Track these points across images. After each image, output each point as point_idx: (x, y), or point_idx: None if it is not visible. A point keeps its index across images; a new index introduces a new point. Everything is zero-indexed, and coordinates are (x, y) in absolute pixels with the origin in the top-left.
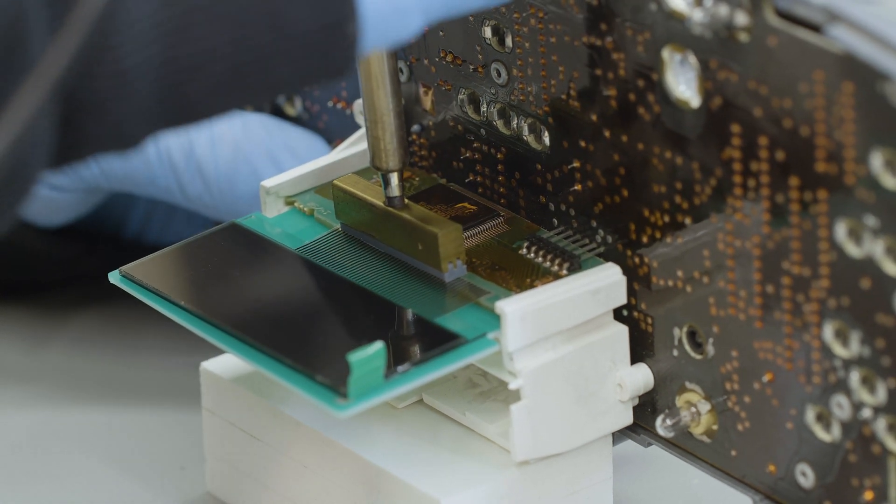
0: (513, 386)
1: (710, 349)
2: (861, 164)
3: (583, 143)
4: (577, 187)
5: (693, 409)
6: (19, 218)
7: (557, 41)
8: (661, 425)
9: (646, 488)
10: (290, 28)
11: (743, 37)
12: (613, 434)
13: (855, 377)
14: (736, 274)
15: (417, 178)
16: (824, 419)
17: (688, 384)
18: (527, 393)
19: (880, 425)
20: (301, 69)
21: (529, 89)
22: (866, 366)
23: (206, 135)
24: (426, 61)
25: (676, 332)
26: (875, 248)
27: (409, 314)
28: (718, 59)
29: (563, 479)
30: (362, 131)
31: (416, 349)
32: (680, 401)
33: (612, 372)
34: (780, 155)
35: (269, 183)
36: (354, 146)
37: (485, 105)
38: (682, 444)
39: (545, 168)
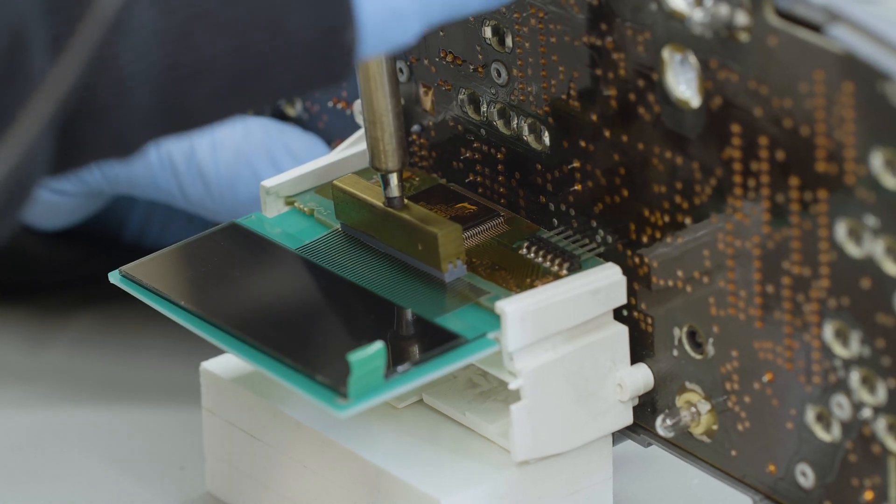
0: (513, 386)
1: (710, 349)
2: (861, 163)
3: (583, 143)
4: (577, 187)
5: (693, 409)
6: (20, 224)
7: (557, 41)
8: (661, 425)
9: (646, 488)
10: (289, 35)
11: (743, 37)
12: (613, 434)
13: (855, 377)
14: (736, 274)
15: (417, 178)
16: (824, 419)
17: (688, 384)
18: (527, 393)
19: (880, 425)
20: (300, 75)
21: (529, 89)
22: (866, 366)
23: (208, 138)
24: (426, 61)
25: (676, 332)
26: (875, 247)
27: (409, 314)
28: (719, 58)
29: (563, 479)
30: (362, 132)
31: (416, 349)
32: (680, 401)
33: (612, 372)
34: (780, 155)
35: (269, 183)
36: (354, 146)
37: (485, 105)
38: (682, 444)
39: (545, 168)
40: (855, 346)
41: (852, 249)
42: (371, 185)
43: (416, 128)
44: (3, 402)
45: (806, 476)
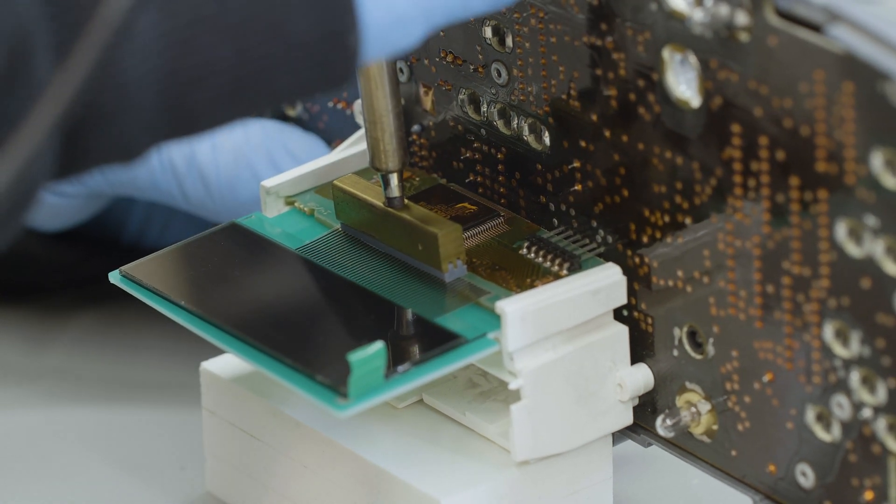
0: (513, 386)
1: (711, 349)
2: (861, 163)
3: (583, 143)
4: (578, 187)
5: (693, 409)
6: (24, 228)
7: (558, 41)
8: (661, 425)
9: (646, 488)
10: (291, 39)
11: (743, 37)
12: (613, 434)
13: (855, 377)
14: (736, 274)
15: (417, 178)
16: (824, 419)
17: (688, 384)
18: (527, 393)
19: (880, 425)
20: (303, 80)
21: (530, 89)
22: (866, 366)
23: (208, 140)
24: (426, 61)
25: (676, 332)
26: (875, 247)
27: (409, 314)
28: (719, 58)
29: (563, 479)
30: (362, 132)
31: (416, 349)
32: (680, 401)
33: (612, 372)
34: (780, 155)
35: (269, 183)
36: (354, 146)
37: (485, 105)
38: (682, 444)
39: (545, 168)
40: (855, 346)
41: (852, 249)
42: (371, 184)
43: (416, 128)
44: (3, 402)
45: (806, 476)
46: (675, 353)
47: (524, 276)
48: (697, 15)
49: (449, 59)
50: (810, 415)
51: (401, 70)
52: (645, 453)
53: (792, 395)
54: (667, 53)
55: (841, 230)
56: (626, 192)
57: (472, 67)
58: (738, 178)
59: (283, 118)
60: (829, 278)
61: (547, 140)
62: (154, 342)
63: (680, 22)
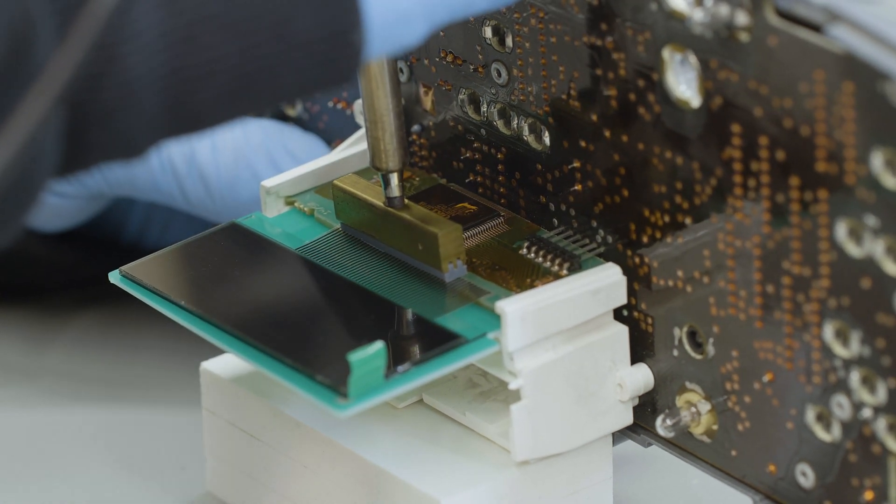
0: (513, 386)
1: (711, 349)
2: (861, 163)
3: (583, 143)
4: (578, 187)
5: (693, 409)
6: (25, 228)
7: (558, 41)
8: (661, 425)
9: (646, 488)
10: (295, 37)
11: (743, 37)
12: (613, 434)
13: (855, 377)
14: (736, 274)
15: (417, 178)
16: (824, 419)
17: (688, 384)
18: (527, 393)
19: (880, 425)
20: (306, 77)
21: (530, 89)
22: (866, 366)
23: (208, 140)
24: (426, 61)
25: (676, 332)
26: (875, 247)
27: (410, 314)
28: (719, 58)
29: (563, 479)
30: (362, 131)
31: (416, 349)
32: (680, 401)
33: (612, 372)
34: (780, 155)
35: (269, 183)
36: (354, 146)
37: (485, 105)
38: (682, 444)
39: (545, 168)
40: (855, 346)
41: (852, 249)
42: (371, 184)
43: (416, 128)
44: (3, 402)
45: (806, 476)
46: (675, 353)
47: (524, 276)
48: (697, 15)
49: (449, 59)
50: (810, 415)
51: (401, 70)
52: (645, 453)
53: (792, 395)
54: (667, 53)
55: (841, 230)
56: (626, 192)
57: (472, 67)
58: (738, 178)
59: (283, 118)
60: (829, 278)
61: (547, 140)
62: (154, 342)
63: (680, 22)
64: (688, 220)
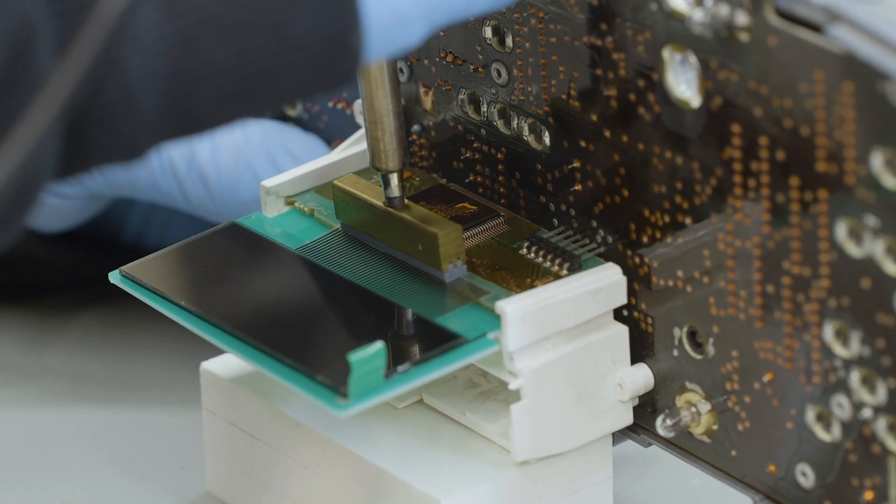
0: (513, 386)
1: (711, 349)
2: (861, 163)
3: (583, 143)
4: (578, 187)
5: (693, 409)
6: (26, 229)
7: (558, 41)
8: (661, 425)
9: (646, 488)
10: (294, 39)
11: (743, 37)
12: (613, 434)
13: (855, 377)
14: (736, 274)
15: (417, 178)
16: (824, 419)
17: (688, 384)
18: (527, 393)
19: (880, 425)
20: (305, 80)
21: (530, 89)
22: (866, 366)
23: (208, 140)
24: (426, 61)
25: (676, 332)
26: (875, 247)
27: (409, 314)
28: (719, 58)
29: (563, 479)
30: (362, 131)
31: (416, 349)
32: (680, 401)
33: (612, 372)
34: (780, 155)
35: (269, 183)
36: (354, 146)
37: (485, 105)
38: (682, 444)
39: (545, 168)
40: (855, 346)
41: (852, 249)
42: (371, 184)
43: (416, 128)
44: (3, 402)
45: (806, 476)
46: (675, 353)
47: (524, 276)
48: (697, 15)
49: (449, 59)
50: (810, 415)
51: (401, 70)
52: (645, 453)
53: (792, 395)
54: (667, 53)
55: (841, 230)
56: (626, 192)
57: (472, 67)
58: (738, 178)
59: (283, 118)
60: (829, 278)
61: (547, 140)
62: (154, 342)
63: (680, 22)
64: (688, 220)
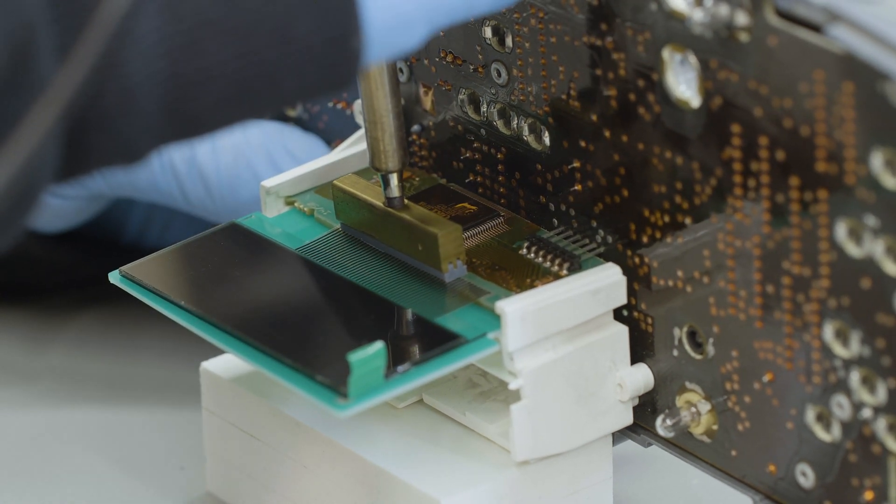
0: (513, 386)
1: (710, 349)
2: (861, 163)
3: (583, 143)
4: (578, 187)
5: (693, 409)
6: (26, 231)
7: (558, 41)
8: (661, 425)
9: (646, 488)
10: (295, 42)
11: (743, 37)
12: (613, 434)
13: (855, 377)
14: (736, 274)
15: (417, 178)
16: (824, 419)
17: (688, 384)
18: (527, 393)
19: (880, 425)
20: (307, 82)
21: (529, 89)
22: (866, 366)
23: (208, 141)
24: (426, 61)
25: (676, 332)
26: (875, 247)
27: (409, 314)
28: (719, 59)
29: (563, 479)
30: (362, 132)
31: (416, 349)
32: (680, 401)
33: (612, 372)
34: (780, 155)
35: (269, 183)
36: (354, 146)
37: (485, 105)
38: (682, 444)
39: (545, 168)
40: (855, 346)
41: (852, 249)
42: (371, 184)
43: (416, 128)
44: (3, 402)
45: (806, 476)
46: (675, 353)
47: (524, 276)
48: (697, 15)
49: (449, 59)
50: (810, 415)
51: (400, 70)
52: (645, 453)
53: (792, 395)
54: (667, 53)
55: (841, 230)
56: (626, 192)
57: (471, 67)
58: (738, 178)
59: (283, 118)
60: (829, 278)
61: (547, 140)
62: (154, 342)
63: (680, 22)
64: (688, 220)
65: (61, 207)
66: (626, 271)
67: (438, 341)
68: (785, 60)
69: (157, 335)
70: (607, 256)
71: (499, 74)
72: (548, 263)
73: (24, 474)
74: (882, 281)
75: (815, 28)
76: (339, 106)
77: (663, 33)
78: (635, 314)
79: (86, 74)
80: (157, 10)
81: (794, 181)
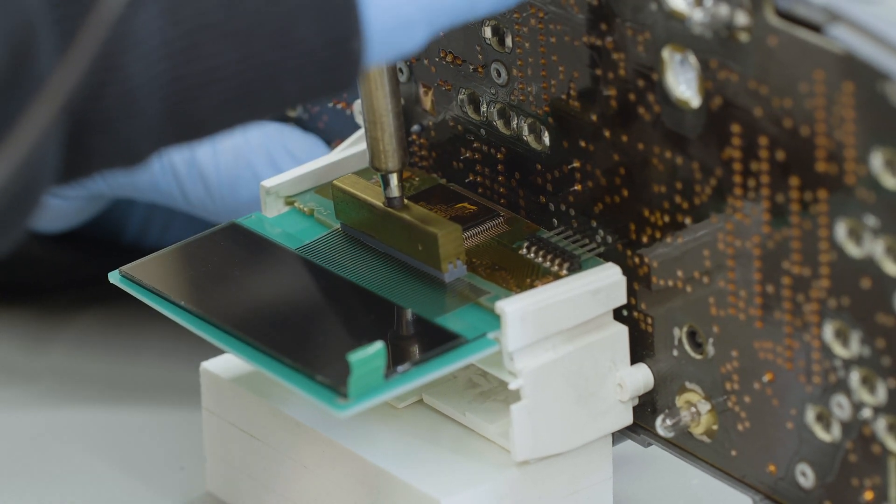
0: (513, 386)
1: (710, 349)
2: (861, 163)
3: (583, 143)
4: (577, 187)
5: (693, 409)
6: (27, 232)
7: (557, 41)
8: (661, 425)
9: (646, 488)
10: (296, 45)
11: (743, 37)
12: (613, 434)
13: (855, 377)
14: (736, 274)
15: (417, 178)
16: (824, 419)
17: (688, 384)
18: (527, 393)
19: (880, 425)
20: (307, 85)
21: (529, 89)
22: (866, 366)
23: (208, 142)
24: (426, 61)
25: (676, 332)
26: (875, 247)
27: (409, 314)
28: (718, 59)
29: (563, 479)
30: (362, 132)
31: (416, 349)
32: (680, 401)
33: (612, 372)
34: (780, 155)
35: (269, 183)
36: (354, 146)
37: (485, 105)
38: (682, 444)
39: (545, 168)
40: (855, 346)
41: (852, 249)
42: (371, 184)
43: (416, 128)
44: (3, 402)
45: (806, 476)
46: (675, 353)
47: (524, 276)
48: (697, 15)
49: (448, 59)
50: (810, 415)
51: (400, 70)
52: (645, 453)
53: (792, 395)
54: (667, 53)
55: (841, 230)
56: (626, 192)
57: (471, 67)
58: (738, 178)
59: (283, 119)
60: (829, 278)
61: (547, 140)
62: (154, 342)
63: (680, 22)
64: (688, 220)
65: (61, 208)
66: (626, 271)
67: (438, 341)
68: (785, 60)
69: (157, 335)
70: (607, 256)
71: (499, 74)
72: (548, 263)
73: (24, 474)
74: (882, 281)
75: (815, 28)
76: (339, 106)
77: (663, 33)
78: (635, 314)
79: (83, 73)
80: (158, 12)
81: (794, 181)
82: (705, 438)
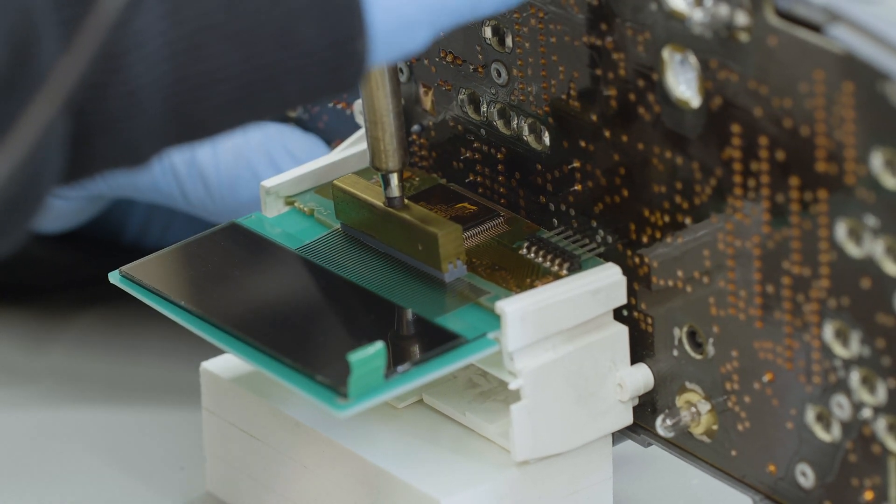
0: (513, 386)
1: (710, 349)
2: (861, 163)
3: (583, 143)
4: (578, 187)
5: (693, 409)
6: (29, 233)
7: (557, 41)
8: (661, 425)
9: (646, 488)
10: (299, 46)
11: (743, 37)
12: (613, 434)
13: (855, 377)
14: (736, 274)
15: (417, 178)
16: (824, 419)
17: (688, 384)
18: (527, 393)
19: (880, 425)
20: (310, 85)
21: (529, 89)
22: (866, 366)
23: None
24: (426, 61)
25: (676, 332)
26: (875, 247)
27: (409, 314)
28: (718, 59)
29: (563, 479)
30: (362, 131)
31: (416, 349)
32: (680, 401)
33: (612, 372)
34: (780, 155)
35: (269, 183)
36: (354, 146)
37: (485, 105)
38: (682, 444)
39: (545, 168)
40: (855, 346)
41: (852, 249)
42: (371, 184)
43: (416, 128)
44: (3, 402)
45: (806, 476)
46: (675, 353)
47: (524, 276)
48: (697, 15)
49: (449, 59)
50: (810, 415)
51: (401, 70)
52: (645, 453)
53: (792, 395)
54: (667, 53)
55: (841, 230)
56: (626, 192)
57: (471, 67)
58: (738, 178)
59: (283, 118)
60: (829, 278)
61: (547, 140)
62: (154, 342)
63: (680, 22)
64: (688, 220)
65: (62, 208)
66: (626, 271)
67: (438, 341)
68: (785, 60)
69: (157, 335)
70: (607, 256)
71: (499, 74)
72: (548, 263)
73: (24, 474)
74: (882, 281)
75: (815, 28)
76: (339, 106)
77: (663, 33)
78: (635, 314)
79: (83, 73)
80: (161, 14)
81: (794, 181)
82: (705, 438)
